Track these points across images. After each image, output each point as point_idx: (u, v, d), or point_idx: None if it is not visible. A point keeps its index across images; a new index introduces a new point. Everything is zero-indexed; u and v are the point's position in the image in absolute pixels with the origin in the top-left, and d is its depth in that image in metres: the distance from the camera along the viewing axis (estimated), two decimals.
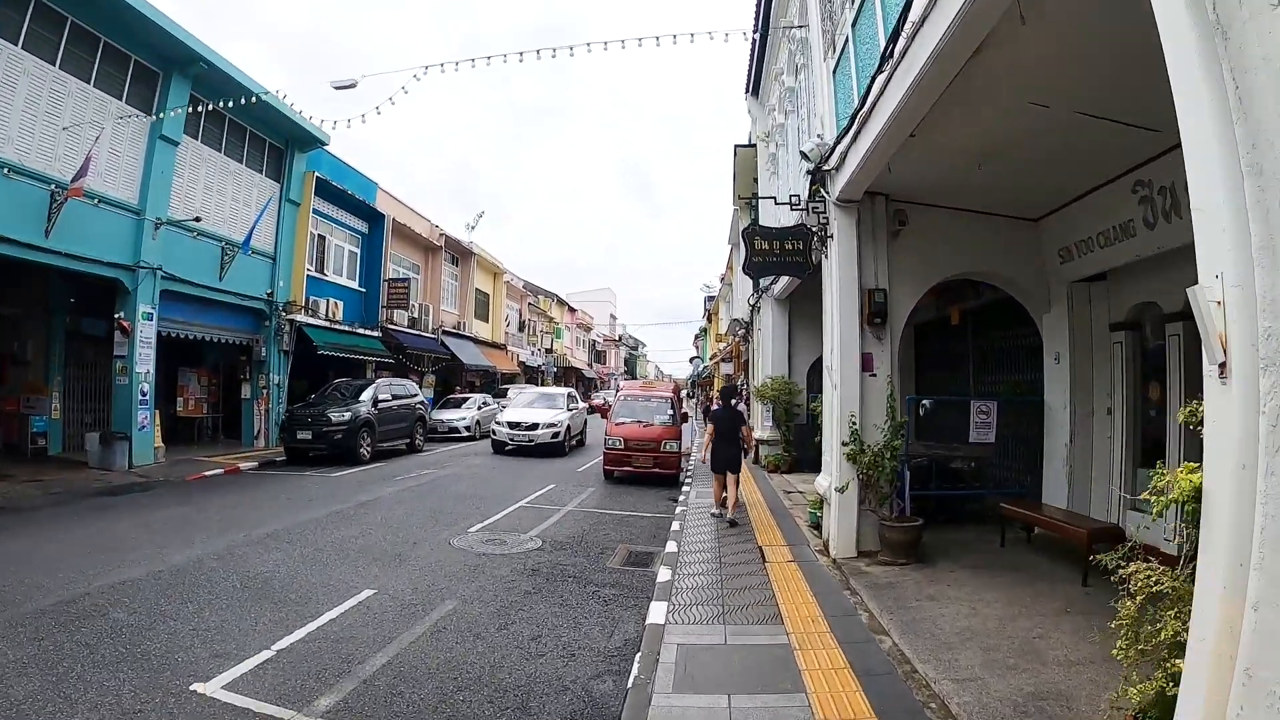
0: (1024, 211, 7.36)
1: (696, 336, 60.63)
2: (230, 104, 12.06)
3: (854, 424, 6.45)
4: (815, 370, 14.87)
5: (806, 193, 6.79)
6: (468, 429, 21.12)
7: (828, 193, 6.63)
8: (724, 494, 8.53)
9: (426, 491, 10.98)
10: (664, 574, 6.08)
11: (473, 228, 30.09)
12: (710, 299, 43.03)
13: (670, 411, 13.44)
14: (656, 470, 12.26)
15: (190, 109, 12.90)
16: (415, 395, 17.74)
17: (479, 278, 32.03)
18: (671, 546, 7.12)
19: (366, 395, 15.65)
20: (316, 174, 18.98)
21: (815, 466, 13.47)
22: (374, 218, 22.52)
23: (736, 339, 25.73)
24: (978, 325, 10.39)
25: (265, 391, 17.71)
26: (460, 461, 15.37)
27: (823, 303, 7.13)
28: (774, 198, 9.86)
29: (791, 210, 7.30)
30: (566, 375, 51.52)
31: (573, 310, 53.40)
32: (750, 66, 14.76)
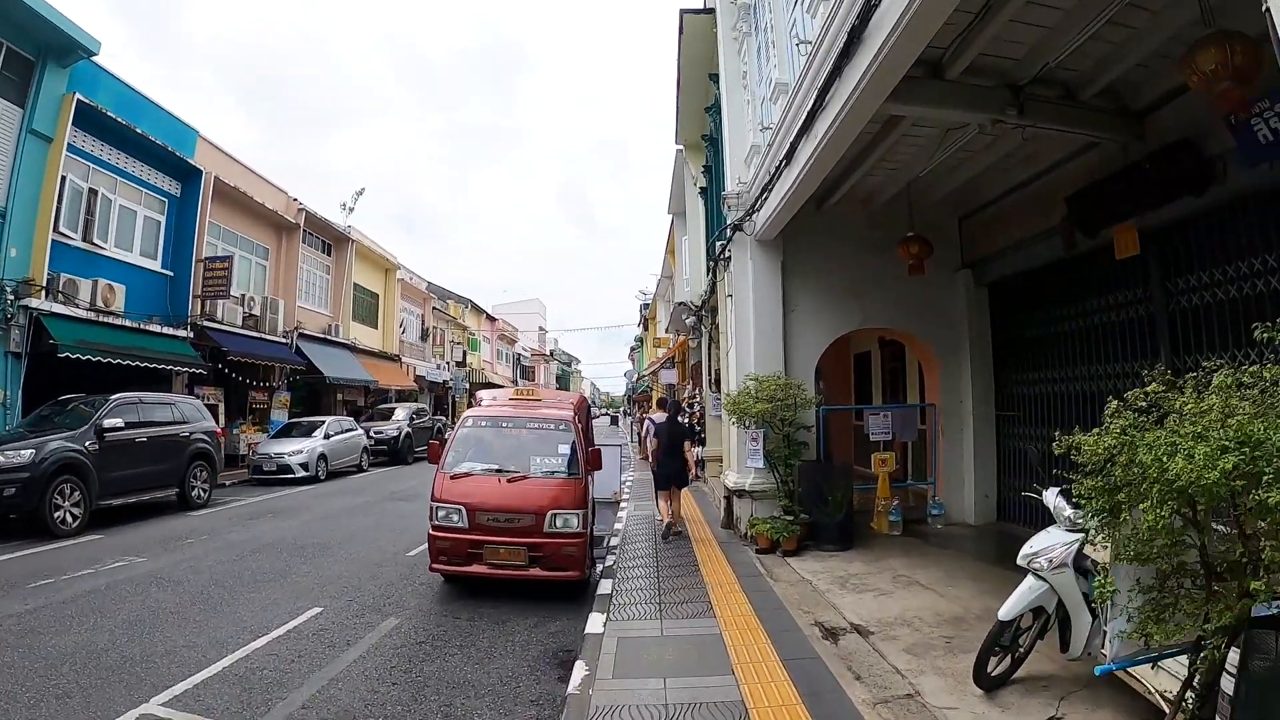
0: None
1: (632, 349, 55.51)
2: None
3: None
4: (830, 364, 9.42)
5: None
6: (304, 466, 15.06)
7: None
8: (667, 506, 8.51)
9: (19, 637, 5.19)
10: None
11: (350, 209, 24.14)
12: (646, 305, 37.78)
13: (567, 450, 6.90)
14: (536, 573, 6.18)
15: None
16: (192, 420, 11.71)
17: (362, 273, 25.96)
18: None
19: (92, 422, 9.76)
20: (79, 97, 12.99)
21: (843, 539, 7.58)
22: (191, 176, 16.42)
23: (682, 337, 20.12)
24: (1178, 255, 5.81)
25: None
26: (225, 533, 9.39)
27: None
28: None
29: None
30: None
31: (493, 320, 47.36)
32: None
